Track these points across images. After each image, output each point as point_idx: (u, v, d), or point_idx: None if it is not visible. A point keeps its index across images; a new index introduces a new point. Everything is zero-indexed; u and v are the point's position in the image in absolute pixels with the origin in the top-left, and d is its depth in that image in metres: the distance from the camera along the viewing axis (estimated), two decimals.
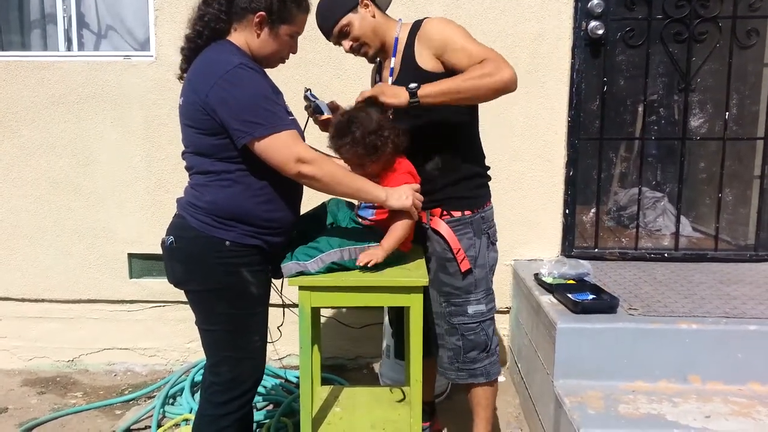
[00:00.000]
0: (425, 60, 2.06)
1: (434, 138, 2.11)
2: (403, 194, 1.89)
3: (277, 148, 1.75)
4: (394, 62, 2.15)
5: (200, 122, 1.78)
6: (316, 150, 1.85)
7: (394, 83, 2.12)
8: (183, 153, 1.91)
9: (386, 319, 3.05)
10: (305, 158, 1.76)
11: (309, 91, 2.15)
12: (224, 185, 1.81)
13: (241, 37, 1.86)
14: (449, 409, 2.89)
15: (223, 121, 1.74)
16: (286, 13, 1.85)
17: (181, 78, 1.92)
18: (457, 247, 2.14)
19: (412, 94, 1.95)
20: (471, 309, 2.19)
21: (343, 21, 2.10)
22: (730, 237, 3.38)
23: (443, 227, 2.16)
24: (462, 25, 2.07)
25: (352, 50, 2.15)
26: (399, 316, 2.47)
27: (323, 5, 2.13)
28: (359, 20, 2.10)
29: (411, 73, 2.06)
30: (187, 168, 1.91)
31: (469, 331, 2.20)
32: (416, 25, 2.12)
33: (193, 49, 1.86)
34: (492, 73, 1.93)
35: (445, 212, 2.17)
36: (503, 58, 1.98)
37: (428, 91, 1.95)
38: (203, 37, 1.84)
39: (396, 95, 1.96)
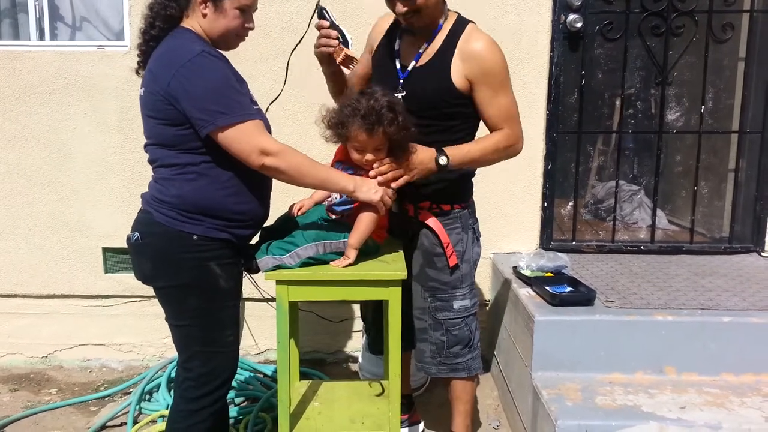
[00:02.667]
0: (458, 76, 2.00)
1: (439, 142, 2.04)
2: (372, 187, 1.85)
3: (239, 138, 1.71)
4: (425, 47, 2.05)
5: (162, 112, 1.74)
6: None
7: (417, 68, 2.06)
8: (145, 145, 1.87)
9: None
10: (269, 150, 1.73)
11: (325, 10, 1.95)
12: (190, 178, 1.78)
13: (193, 21, 1.81)
14: (428, 402, 2.90)
15: (185, 110, 1.70)
16: None
17: (138, 73, 1.88)
18: (446, 241, 2.13)
19: (442, 165, 1.97)
20: (456, 304, 2.18)
21: None
22: (705, 230, 3.42)
23: (432, 221, 2.14)
24: (504, 58, 2.03)
25: (404, 15, 1.97)
26: (376, 311, 2.41)
27: None
28: None
29: (439, 80, 2.01)
30: (151, 161, 1.87)
31: (453, 326, 2.18)
32: (459, 28, 2.03)
33: (147, 41, 1.82)
34: (511, 149, 2.09)
35: (434, 205, 2.14)
36: (519, 122, 2.08)
37: (456, 161, 1.99)
38: (155, 28, 1.80)
39: (426, 169, 1.97)
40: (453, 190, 2.17)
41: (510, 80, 2.06)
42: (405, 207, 2.17)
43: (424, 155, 1.95)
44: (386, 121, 1.82)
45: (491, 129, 2.08)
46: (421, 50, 2.06)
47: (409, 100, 2.01)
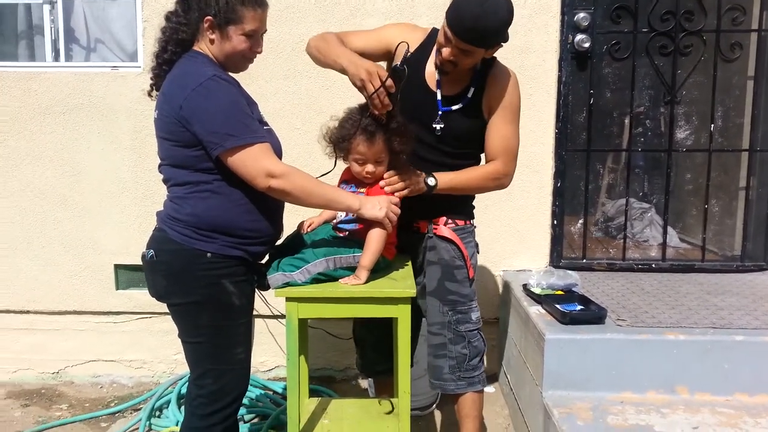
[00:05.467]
0: (485, 109, 2.11)
1: (453, 165, 2.15)
2: (377, 204, 1.88)
3: (246, 161, 1.74)
4: (472, 92, 2.10)
5: (175, 134, 1.77)
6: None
7: (445, 97, 2.11)
8: (160, 165, 1.91)
9: None
10: (275, 172, 1.75)
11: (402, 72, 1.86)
12: (203, 196, 1.81)
13: (203, 45, 1.85)
14: (438, 421, 2.88)
15: (196, 132, 1.73)
16: (231, 14, 1.79)
17: (149, 95, 1.91)
18: (467, 253, 2.20)
19: (431, 186, 2.05)
20: (473, 315, 2.23)
21: (479, 50, 1.97)
22: (716, 248, 3.40)
23: (452, 234, 2.19)
24: (520, 96, 2.14)
25: (447, 62, 2.00)
26: (375, 330, 2.36)
27: (494, 19, 1.92)
28: (481, 56, 2.02)
29: (475, 119, 2.11)
30: (165, 180, 1.91)
31: (474, 338, 2.22)
32: (489, 63, 2.10)
33: (160, 64, 1.86)
34: (498, 183, 2.18)
35: (450, 221, 2.21)
36: (515, 160, 2.17)
37: (443, 186, 2.06)
38: (168, 51, 1.84)
39: (418, 189, 2.03)
40: (466, 206, 2.27)
41: (519, 119, 2.16)
42: (416, 225, 2.20)
43: (416, 177, 2.03)
44: (385, 129, 1.88)
45: (488, 158, 2.16)
46: (468, 95, 2.10)
47: (447, 131, 2.10)
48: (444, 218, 2.20)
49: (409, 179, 1.99)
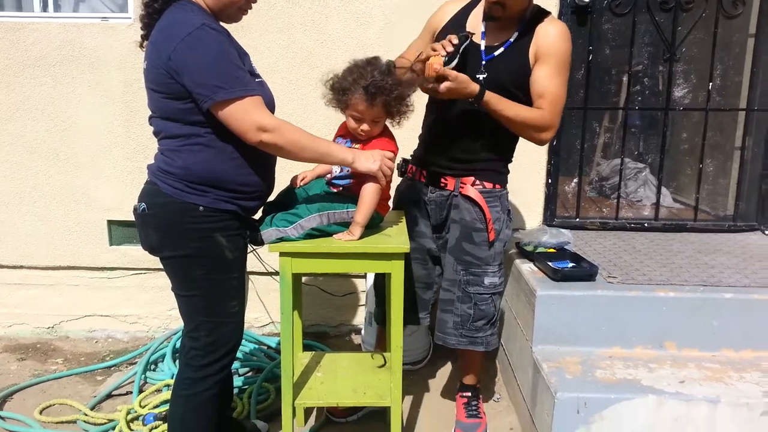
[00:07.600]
0: (531, 55, 2.09)
1: (488, 121, 2.12)
2: (371, 157, 1.87)
3: (237, 114, 1.71)
4: (515, 36, 2.11)
5: (165, 86, 1.74)
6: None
7: (502, 53, 2.12)
8: (150, 118, 1.88)
9: (369, 285, 3.05)
10: (266, 126, 1.72)
11: (467, 39, 2.03)
12: (195, 150, 1.79)
13: None
14: (431, 375, 2.93)
15: (186, 84, 1.70)
16: None
17: (141, 45, 1.87)
18: (489, 216, 2.20)
19: (480, 94, 2.00)
20: (487, 280, 2.25)
21: None
22: (709, 208, 3.41)
23: (477, 195, 2.20)
24: (570, 49, 2.12)
25: (494, 5, 2.06)
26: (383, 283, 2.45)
27: None
28: None
29: (520, 64, 2.10)
30: (156, 133, 1.88)
31: (482, 301, 2.26)
32: (540, 15, 2.12)
33: (150, 14, 1.81)
34: (539, 134, 2.12)
35: (477, 182, 2.22)
36: (560, 114, 2.13)
37: (490, 99, 2.01)
38: (159, 0, 1.79)
39: (470, 89, 1.99)
40: (496, 171, 2.26)
41: (567, 74, 2.13)
42: (444, 181, 2.22)
43: (470, 88, 1.99)
44: (387, 94, 1.85)
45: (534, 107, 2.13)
46: (511, 39, 2.11)
47: (490, 81, 2.09)
48: (472, 178, 2.21)
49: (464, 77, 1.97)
